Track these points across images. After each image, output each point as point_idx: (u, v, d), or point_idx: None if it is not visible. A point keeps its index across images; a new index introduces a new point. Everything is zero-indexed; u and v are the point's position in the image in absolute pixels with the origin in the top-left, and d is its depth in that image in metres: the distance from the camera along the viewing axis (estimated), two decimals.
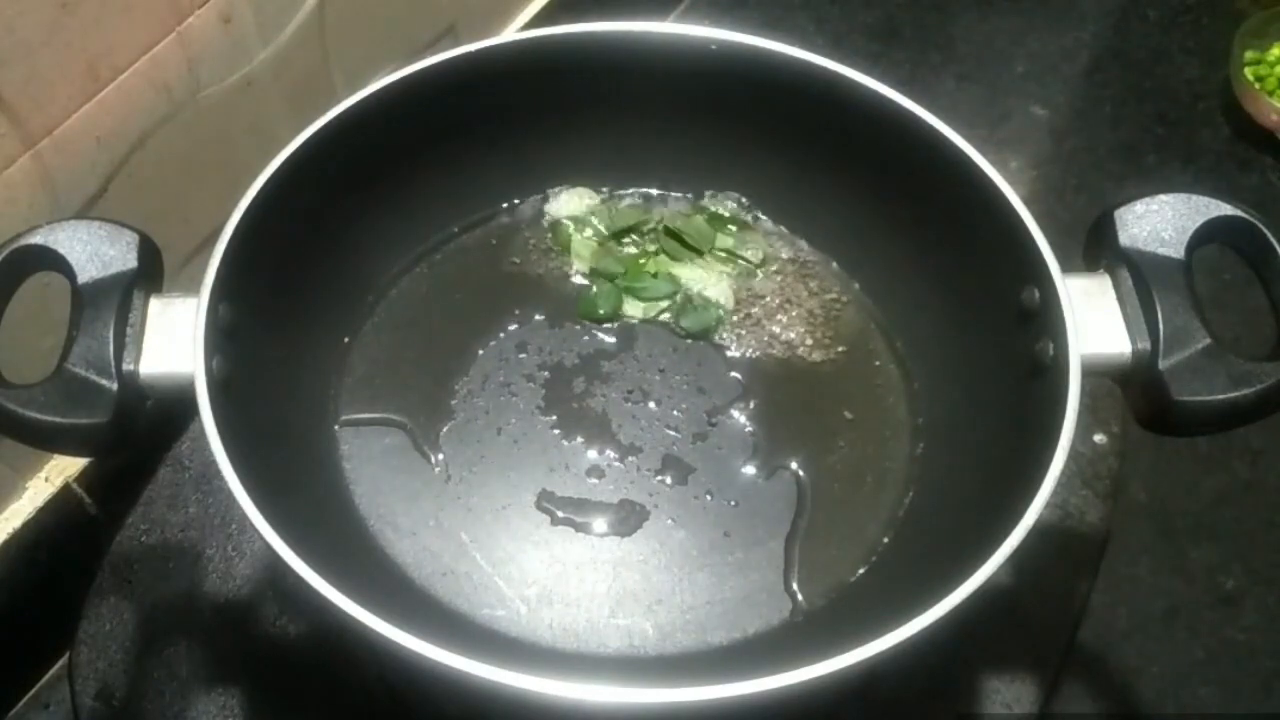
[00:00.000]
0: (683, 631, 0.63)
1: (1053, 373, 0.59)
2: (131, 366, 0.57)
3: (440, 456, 0.68)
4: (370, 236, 0.72)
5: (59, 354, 0.57)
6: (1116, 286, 0.62)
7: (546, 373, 0.72)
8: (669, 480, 0.68)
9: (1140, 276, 0.61)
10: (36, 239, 0.59)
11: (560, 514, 0.67)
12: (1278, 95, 1.25)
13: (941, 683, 0.67)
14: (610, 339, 0.74)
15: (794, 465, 0.69)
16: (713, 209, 0.78)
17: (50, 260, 0.59)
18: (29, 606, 0.85)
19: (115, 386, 0.57)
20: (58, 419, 0.56)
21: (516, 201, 0.78)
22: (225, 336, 0.59)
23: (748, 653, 0.62)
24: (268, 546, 0.52)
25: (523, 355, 0.73)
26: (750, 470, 0.69)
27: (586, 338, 0.73)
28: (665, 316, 0.74)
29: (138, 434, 0.58)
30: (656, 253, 0.77)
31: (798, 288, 0.76)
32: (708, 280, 0.76)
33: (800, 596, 0.64)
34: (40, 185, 0.72)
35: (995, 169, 0.64)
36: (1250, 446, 1.08)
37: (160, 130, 0.78)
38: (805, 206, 0.77)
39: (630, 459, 0.69)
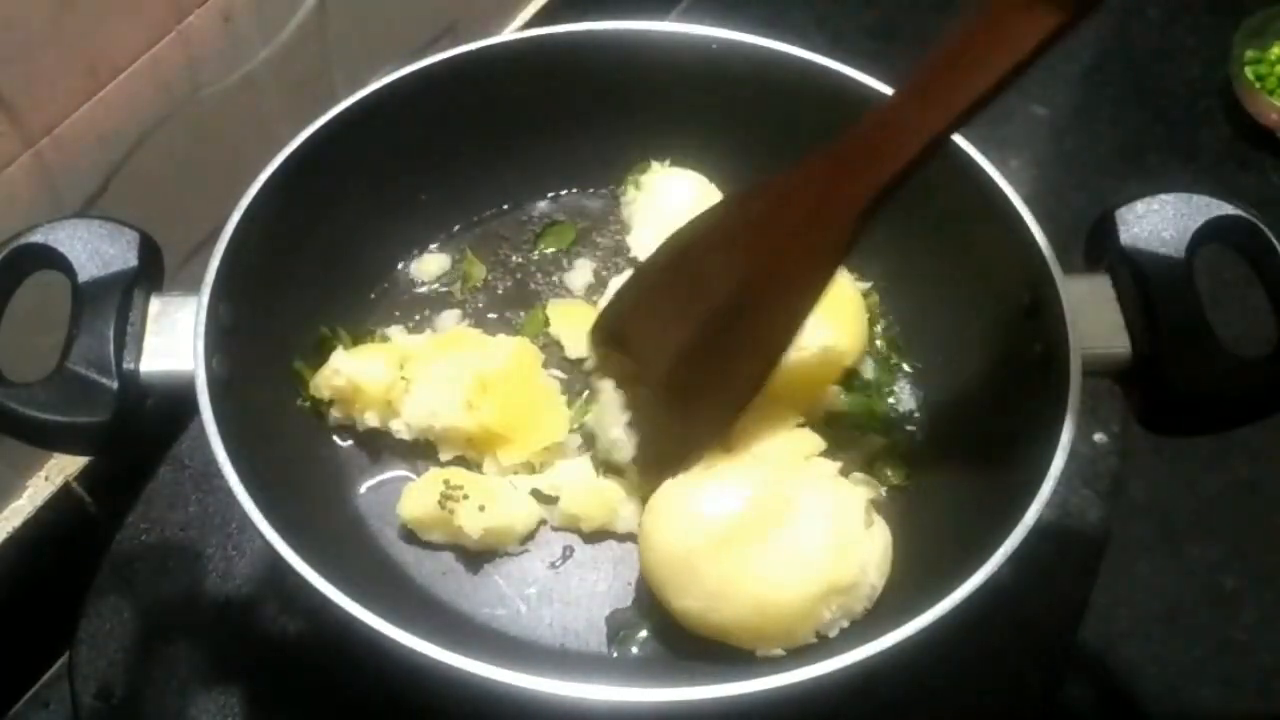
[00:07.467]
0: (683, 631, 0.63)
1: (1053, 372, 0.59)
2: (132, 365, 0.58)
3: (440, 455, 0.68)
4: (370, 235, 0.72)
5: (59, 353, 0.57)
6: (1117, 286, 0.62)
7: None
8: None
9: (1141, 276, 0.61)
10: (37, 237, 0.59)
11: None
12: (1278, 94, 1.25)
13: (942, 682, 0.67)
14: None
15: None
16: None
17: (51, 259, 0.59)
18: (29, 605, 0.85)
19: (115, 385, 0.57)
20: (58, 417, 0.56)
21: (517, 200, 0.78)
22: (225, 335, 0.59)
23: (748, 653, 0.61)
24: (268, 546, 0.52)
25: None
26: None
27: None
28: None
29: (138, 433, 0.58)
30: None
31: None
32: None
33: None
34: (41, 184, 0.72)
35: (995, 169, 0.64)
36: (1250, 446, 1.08)
37: (160, 129, 0.78)
38: None
39: None
